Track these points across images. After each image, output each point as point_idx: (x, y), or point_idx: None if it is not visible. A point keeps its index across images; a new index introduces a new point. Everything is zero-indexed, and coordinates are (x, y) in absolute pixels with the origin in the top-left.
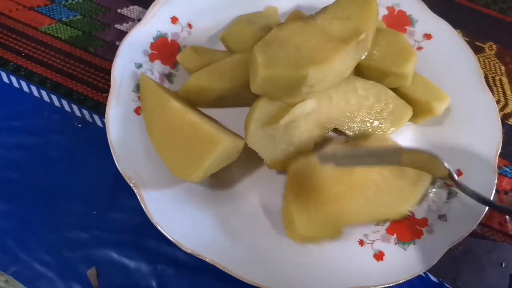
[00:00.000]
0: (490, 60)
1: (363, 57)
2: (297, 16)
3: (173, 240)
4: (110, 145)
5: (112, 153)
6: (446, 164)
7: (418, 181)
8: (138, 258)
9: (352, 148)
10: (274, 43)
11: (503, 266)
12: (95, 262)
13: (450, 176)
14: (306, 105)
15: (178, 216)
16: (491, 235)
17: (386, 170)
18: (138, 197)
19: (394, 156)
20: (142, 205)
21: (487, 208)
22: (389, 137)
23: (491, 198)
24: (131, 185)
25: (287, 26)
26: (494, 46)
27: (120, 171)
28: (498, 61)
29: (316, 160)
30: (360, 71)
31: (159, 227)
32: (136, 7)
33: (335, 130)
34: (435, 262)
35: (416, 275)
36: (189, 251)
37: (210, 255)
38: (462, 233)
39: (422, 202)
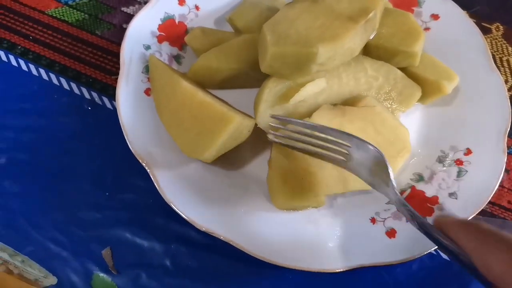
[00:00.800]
0: (497, 41)
1: (371, 37)
2: None
3: (187, 219)
4: (121, 126)
5: (124, 134)
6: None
7: (399, 152)
8: (151, 237)
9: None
10: (283, 22)
11: None
12: (108, 241)
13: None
14: (316, 84)
15: (190, 195)
16: (500, 214)
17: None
18: (151, 177)
19: (342, 146)
20: (155, 184)
21: (497, 186)
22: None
23: (501, 177)
24: (144, 165)
25: (295, 5)
26: (501, 27)
27: (133, 151)
28: (505, 41)
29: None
30: (368, 50)
31: (172, 206)
32: None
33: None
34: None
35: (427, 252)
36: (203, 229)
37: (223, 233)
38: (472, 211)
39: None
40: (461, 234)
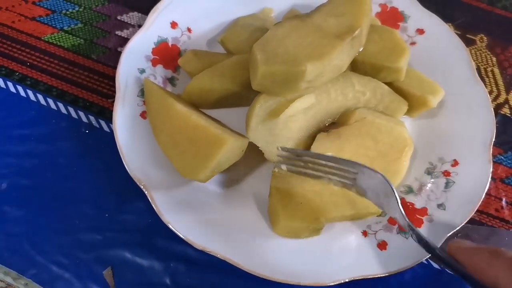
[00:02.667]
0: (481, 52)
1: (358, 53)
2: (294, 15)
3: (184, 238)
4: (118, 149)
5: (121, 157)
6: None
7: (401, 152)
8: (150, 257)
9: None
10: (273, 41)
11: None
12: (109, 262)
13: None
14: (305, 100)
15: (188, 215)
16: (488, 221)
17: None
18: (148, 198)
19: (349, 172)
20: (153, 205)
21: (483, 195)
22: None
23: (487, 186)
24: (141, 187)
25: (284, 24)
26: (485, 38)
27: (130, 174)
28: (489, 52)
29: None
30: (355, 66)
31: (170, 226)
32: (135, 13)
33: (332, 124)
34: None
35: (418, 262)
36: (200, 247)
37: (220, 251)
38: (461, 221)
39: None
40: (482, 262)
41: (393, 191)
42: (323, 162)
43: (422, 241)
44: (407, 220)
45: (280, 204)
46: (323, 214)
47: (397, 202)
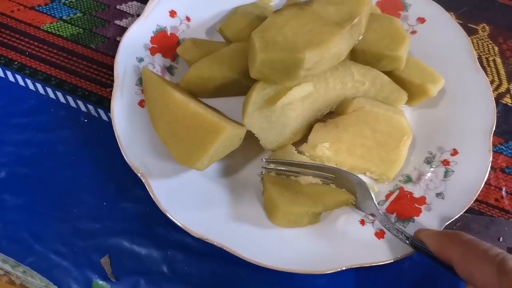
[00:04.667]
0: (483, 41)
1: (357, 41)
2: (293, 2)
3: (181, 226)
4: (116, 138)
5: (119, 146)
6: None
7: (399, 142)
8: (148, 245)
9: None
10: (272, 28)
11: (500, 240)
12: (107, 250)
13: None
14: (303, 88)
15: (185, 203)
16: (487, 211)
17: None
18: (146, 186)
19: (328, 175)
20: (150, 194)
21: (482, 185)
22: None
23: (487, 175)
24: (139, 175)
25: (283, 12)
26: (487, 27)
27: (128, 162)
28: (491, 42)
29: (291, 151)
30: (355, 55)
31: (167, 214)
32: (134, 2)
33: (330, 113)
34: None
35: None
36: (197, 236)
37: (217, 239)
38: (459, 210)
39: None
40: (442, 245)
41: (368, 189)
42: (305, 170)
43: (399, 233)
44: (381, 214)
45: (276, 194)
46: (320, 200)
47: (372, 198)
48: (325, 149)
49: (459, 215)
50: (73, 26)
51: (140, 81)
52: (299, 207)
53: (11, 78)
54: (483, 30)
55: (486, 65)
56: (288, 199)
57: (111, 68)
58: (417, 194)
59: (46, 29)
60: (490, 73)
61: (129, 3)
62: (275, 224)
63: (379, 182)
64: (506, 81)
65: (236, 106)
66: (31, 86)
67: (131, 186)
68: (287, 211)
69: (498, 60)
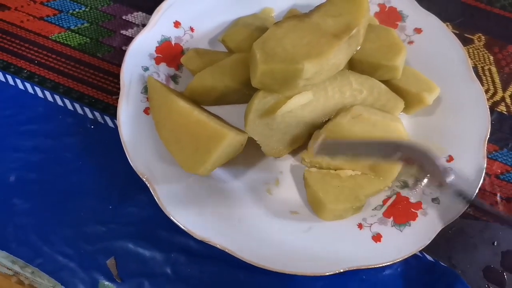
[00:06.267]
0: (479, 50)
1: (355, 51)
2: (293, 14)
3: (185, 229)
4: (122, 144)
5: (125, 152)
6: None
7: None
8: (152, 248)
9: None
10: (272, 40)
11: (495, 244)
12: (113, 253)
13: (441, 175)
14: (302, 96)
15: (189, 207)
16: (482, 216)
17: None
18: (151, 191)
19: (389, 150)
20: (155, 198)
21: (477, 190)
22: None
23: (481, 181)
24: (144, 180)
25: (283, 24)
26: (482, 37)
27: (134, 168)
28: (486, 51)
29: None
30: (353, 65)
31: (171, 218)
32: (140, 13)
33: (329, 121)
34: (429, 242)
35: (412, 254)
36: (200, 238)
37: (220, 242)
38: (454, 215)
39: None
40: None
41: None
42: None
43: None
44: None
45: (320, 192)
46: (361, 192)
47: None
48: None
49: (454, 219)
50: (80, 36)
51: (145, 89)
52: (343, 203)
53: (20, 86)
54: (479, 40)
55: (482, 74)
56: (332, 196)
57: (117, 76)
58: (413, 199)
59: (54, 39)
60: (486, 82)
61: (135, 13)
62: (323, 219)
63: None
64: (501, 89)
65: (238, 114)
66: (39, 94)
67: (136, 191)
68: (333, 209)
69: (494, 69)
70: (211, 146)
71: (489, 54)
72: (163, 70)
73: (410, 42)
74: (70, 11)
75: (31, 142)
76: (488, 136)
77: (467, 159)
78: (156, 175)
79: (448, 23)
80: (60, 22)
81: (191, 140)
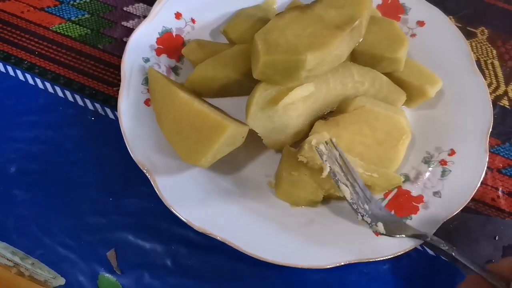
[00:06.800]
0: (482, 44)
1: (358, 43)
2: (296, 5)
3: (185, 221)
4: (123, 135)
5: (126, 143)
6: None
7: (398, 141)
8: (152, 239)
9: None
10: (274, 31)
11: (496, 239)
12: (113, 244)
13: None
14: (304, 88)
15: (189, 199)
16: (484, 210)
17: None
18: (151, 182)
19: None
20: (155, 189)
21: (478, 184)
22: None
23: (483, 175)
24: (145, 171)
25: (285, 15)
26: (485, 30)
27: (134, 159)
28: (489, 45)
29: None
30: (355, 57)
31: (172, 209)
32: (141, 4)
33: (331, 113)
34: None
35: (413, 248)
36: (200, 230)
37: (220, 233)
38: (455, 208)
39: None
40: None
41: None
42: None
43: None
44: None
45: (285, 171)
46: (323, 189)
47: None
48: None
49: (455, 213)
50: (81, 27)
51: (146, 81)
52: (298, 191)
53: (21, 77)
54: (482, 33)
55: (485, 68)
56: (292, 179)
57: (117, 67)
58: (414, 192)
59: (55, 30)
60: (488, 76)
61: (136, 5)
62: (277, 196)
63: None
64: (503, 83)
65: (239, 106)
66: (40, 85)
67: (136, 183)
68: (287, 190)
69: (496, 63)
70: (211, 137)
71: (492, 48)
72: (164, 61)
73: (413, 35)
74: (71, 2)
75: (31, 133)
76: (491, 130)
77: (469, 153)
78: (156, 166)
79: (451, 16)
80: (61, 13)
81: (192, 131)
